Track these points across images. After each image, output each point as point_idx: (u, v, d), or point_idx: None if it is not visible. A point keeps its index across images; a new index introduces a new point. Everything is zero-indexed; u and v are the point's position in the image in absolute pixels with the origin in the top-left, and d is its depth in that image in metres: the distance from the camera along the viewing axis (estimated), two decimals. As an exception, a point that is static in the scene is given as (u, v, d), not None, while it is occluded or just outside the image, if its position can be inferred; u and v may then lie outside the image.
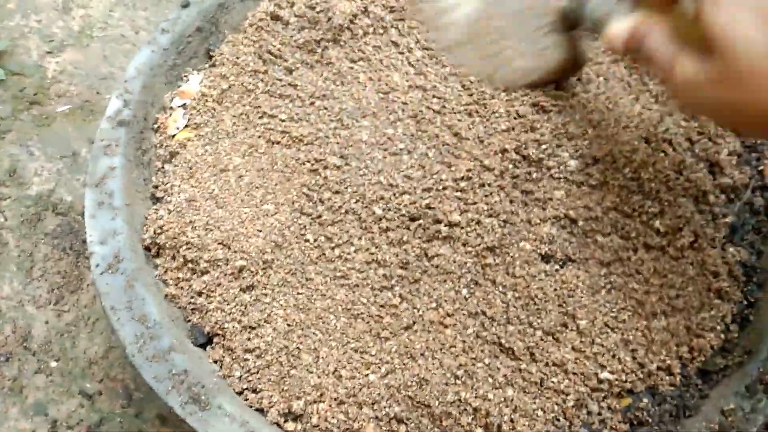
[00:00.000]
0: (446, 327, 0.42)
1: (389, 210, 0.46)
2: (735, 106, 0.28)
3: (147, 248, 0.45)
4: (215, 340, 0.43)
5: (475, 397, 0.39)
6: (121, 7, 0.80)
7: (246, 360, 0.41)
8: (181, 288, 0.44)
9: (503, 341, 0.42)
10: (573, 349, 0.41)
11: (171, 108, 0.52)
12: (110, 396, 0.57)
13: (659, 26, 0.33)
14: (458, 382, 0.40)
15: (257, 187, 0.47)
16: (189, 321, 0.43)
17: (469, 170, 0.47)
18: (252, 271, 0.44)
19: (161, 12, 0.80)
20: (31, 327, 0.60)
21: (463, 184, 0.47)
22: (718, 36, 0.28)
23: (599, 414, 0.40)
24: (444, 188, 0.47)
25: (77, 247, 0.64)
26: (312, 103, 0.51)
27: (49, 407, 0.56)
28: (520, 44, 0.47)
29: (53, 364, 0.58)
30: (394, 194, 0.46)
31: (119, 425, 0.56)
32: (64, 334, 0.60)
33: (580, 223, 0.44)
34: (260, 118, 0.50)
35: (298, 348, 0.42)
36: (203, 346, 0.43)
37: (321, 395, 0.40)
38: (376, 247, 0.45)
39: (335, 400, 0.40)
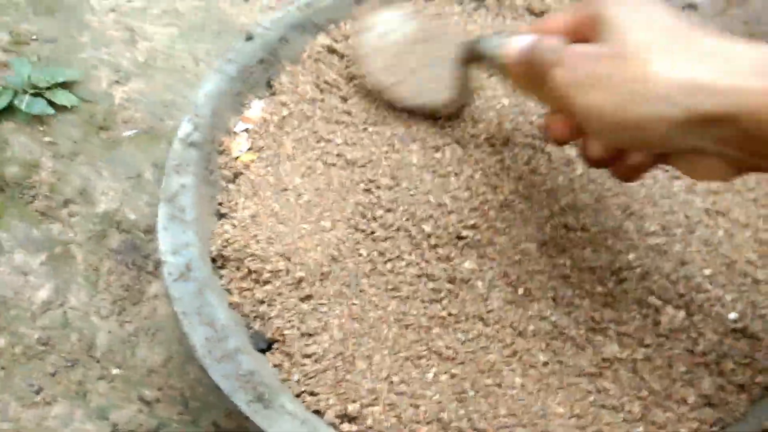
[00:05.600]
0: (491, 338, 0.45)
1: (438, 228, 0.49)
2: (622, 82, 0.31)
3: (213, 260, 0.49)
4: (275, 345, 0.46)
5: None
6: (182, 40, 0.86)
7: (304, 365, 0.44)
8: (245, 297, 0.47)
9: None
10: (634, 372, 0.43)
11: (235, 132, 0.56)
12: (168, 403, 0.60)
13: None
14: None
15: (315, 206, 0.51)
16: (251, 328, 0.46)
17: (512, 192, 0.50)
18: (310, 282, 0.47)
19: (220, 45, 0.85)
20: (95, 336, 0.64)
21: (505, 206, 0.49)
22: (609, 22, 0.33)
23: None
24: (489, 209, 0.49)
25: (139, 262, 0.68)
26: (365, 129, 0.55)
27: (110, 412, 0.60)
28: (431, 75, 0.53)
29: (115, 371, 0.62)
30: (443, 213, 0.49)
31: (176, 431, 0.59)
32: (126, 344, 0.63)
33: None
34: (317, 142, 0.54)
35: (352, 355, 0.44)
36: (263, 351, 0.46)
37: (375, 399, 0.42)
38: (426, 262, 0.48)
39: (388, 405, 0.42)
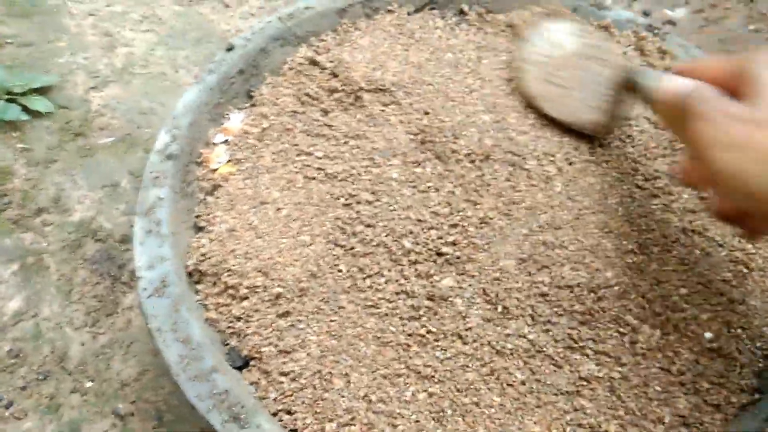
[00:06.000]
0: (469, 356, 0.45)
1: (418, 244, 0.48)
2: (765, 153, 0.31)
3: (189, 274, 0.48)
4: (252, 363, 0.45)
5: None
6: (161, 47, 0.85)
7: (281, 383, 0.44)
8: (221, 313, 0.46)
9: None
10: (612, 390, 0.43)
11: (214, 144, 0.55)
12: (142, 417, 0.59)
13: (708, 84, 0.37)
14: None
15: (294, 220, 0.50)
16: (227, 344, 0.46)
17: (492, 209, 0.50)
18: (288, 299, 0.46)
19: (200, 52, 0.84)
20: (68, 348, 0.62)
21: (485, 222, 0.49)
22: (759, 85, 0.33)
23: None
24: (469, 225, 0.49)
25: (114, 272, 0.67)
26: (346, 143, 0.55)
27: (83, 426, 0.59)
28: (585, 94, 0.54)
29: (88, 384, 0.61)
30: (423, 229, 0.49)
31: (150, 445, 0.58)
32: (99, 356, 0.62)
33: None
34: (298, 155, 0.54)
35: (330, 373, 0.44)
36: (240, 368, 0.45)
37: (352, 419, 0.42)
38: (405, 279, 0.48)
39: (365, 424, 0.42)
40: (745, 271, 0.48)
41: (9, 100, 0.72)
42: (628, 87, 0.49)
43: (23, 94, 0.73)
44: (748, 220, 0.37)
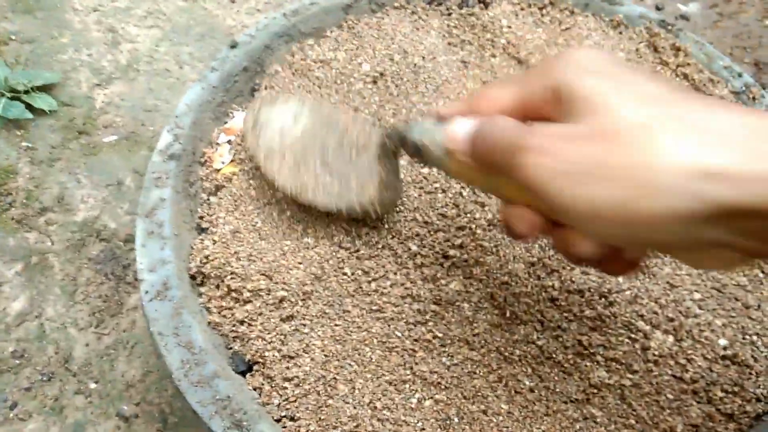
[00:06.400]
0: (476, 363, 0.44)
1: (424, 247, 0.47)
2: (620, 171, 0.25)
3: (192, 277, 0.48)
4: (255, 367, 0.44)
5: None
6: (166, 43, 0.84)
7: (285, 388, 0.43)
8: (224, 316, 0.46)
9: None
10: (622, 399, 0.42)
11: (217, 143, 0.54)
12: (146, 419, 0.59)
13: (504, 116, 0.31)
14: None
15: (298, 221, 0.49)
16: (230, 348, 0.45)
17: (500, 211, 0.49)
18: (292, 302, 0.45)
19: (204, 48, 0.83)
20: (72, 349, 0.62)
21: (493, 225, 0.48)
22: (586, 97, 0.27)
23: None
24: (477, 228, 0.48)
25: (119, 272, 0.66)
26: (351, 142, 0.54)
27: (87, 428, 0.58)
28: (347, 169, 0.46)
29: (92, 385, 0.60)
30: (429, 231, 0.48)
31: (154, 448, 0.57)
32: (104, 357, 0.62)
33: None
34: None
35: (334, 378, 0.43)
36: (243, 373, 0.45)
37: (357, 426, 0.41)
38: (411, 282, 0.47)
39: (370, 431, 0.41)
40: (761, 275, 0.46)
41: (12, 98, 0.72)
42: (405, 149, 0.38)
43: (26, 91, 0.72)
44: (617, 257, 0.30)
